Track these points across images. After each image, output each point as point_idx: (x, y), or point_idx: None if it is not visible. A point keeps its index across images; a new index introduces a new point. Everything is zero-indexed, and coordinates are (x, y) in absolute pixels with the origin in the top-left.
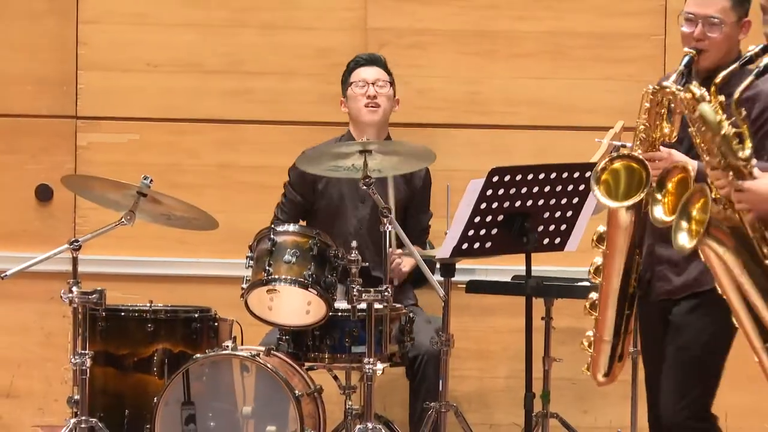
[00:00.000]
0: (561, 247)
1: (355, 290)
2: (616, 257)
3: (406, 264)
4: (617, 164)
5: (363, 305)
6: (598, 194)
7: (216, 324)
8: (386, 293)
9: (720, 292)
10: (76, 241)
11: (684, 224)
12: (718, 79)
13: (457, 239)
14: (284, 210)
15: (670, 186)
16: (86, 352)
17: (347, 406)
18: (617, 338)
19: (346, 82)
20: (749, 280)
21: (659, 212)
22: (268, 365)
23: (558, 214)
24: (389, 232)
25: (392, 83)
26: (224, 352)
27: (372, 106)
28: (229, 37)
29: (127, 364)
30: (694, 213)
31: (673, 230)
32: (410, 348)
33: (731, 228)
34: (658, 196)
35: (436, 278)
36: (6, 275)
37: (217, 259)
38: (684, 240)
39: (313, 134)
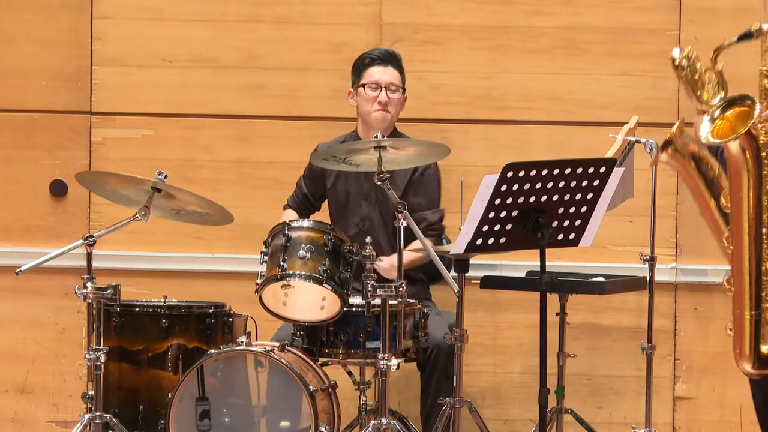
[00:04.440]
0: (575, 242)
1: (369, 286)
2: (742, 205)
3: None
4: (729, 113)
5: (377, 301)
6: (707, 134)
7: (230, 319)
8: (401, 289)
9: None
10: (91, 236)
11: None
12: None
13: (471, 235)
14: (295, 199)
15: (729, 113)
16: (101, 347)
17: (361, 402)
18: (759, 311)
19: (358, 76)
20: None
21: (705, 130)
22: (283, 361)
23: (573, 209)
24: (402, 227)
25: (403, 81)
26: (239, 347)
27: (382, 111)
28: (243, 33)
29: (141, 360)
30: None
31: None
32: (424, 342)
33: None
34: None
35: (450, 274)
36: (21, 271)
37: (231, 255)
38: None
39: (328, 129)
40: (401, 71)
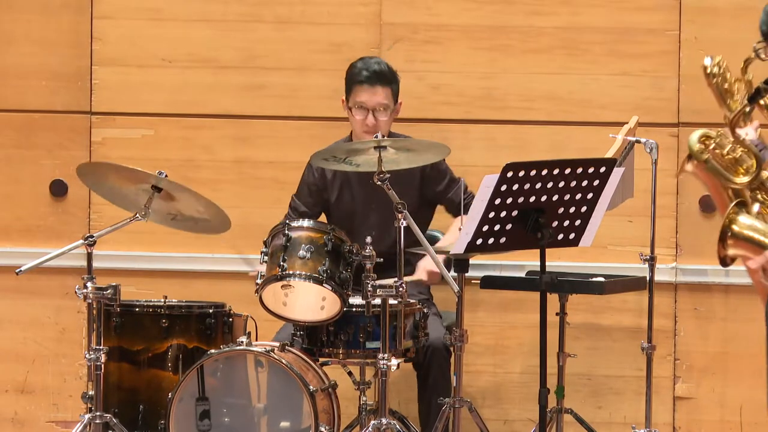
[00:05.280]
0: (575, 242)
1: (369, 286)
2: None
3: (429, 264)
4: None
5: (377, 301)
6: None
7: (230, 319)
8: (400, 288)
9: None
10: (91, 236)
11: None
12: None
13: (471, 235)
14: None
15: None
16: (101, 347)
17: (361, 402)
18: None
19: (348, 90)
20: None
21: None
22: (283, 361)
23: (573, 209)
24: (403, 227)
25: (395, 93)
26: (239, 347)
27: (369, 132)
28: (243, 33)
29: (141, 360)
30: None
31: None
32: (424, 342)
33: None
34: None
35: (450, 274)
36: (21, 271)
37: (231, 255)
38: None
39: (328, 129)
40: (392, 83)
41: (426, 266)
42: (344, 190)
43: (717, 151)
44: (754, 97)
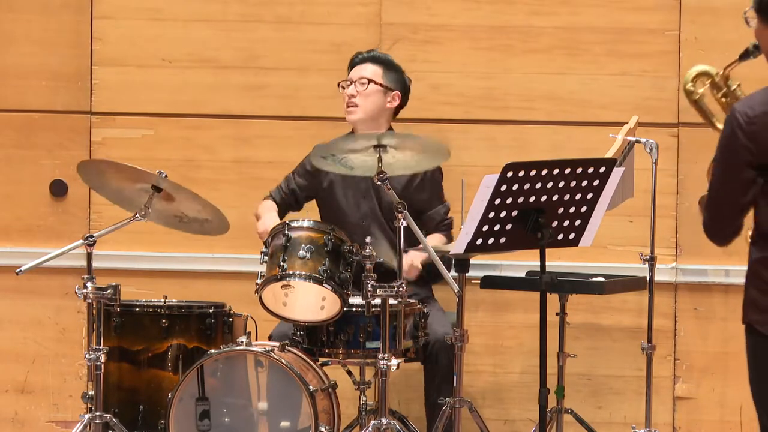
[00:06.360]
0: (575, 242)
1: (369, 286)
2: None
3: (416, 259)
4: None
5: (377, 301)
6: None
7: (230, 319)
8: (400, 289)
9: None
10: (91, 236)
11: None
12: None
13: (471, 235)
14: (279, 193)
15: None
16: (101, 347)
17: (361, 402)
18: None
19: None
20: None
21: None
22: (283, 361)
23: (573, 209)
24: (402, 227)
25: (390, 78)
26: (239, 347)
27: (350, 106)
28: (244, 32)
29: (141, 360)
30: None
31: None
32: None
33: None
34: None
35: (450, 274)
36: (21, 270)
37: (231, 255)
38: None
39: (328, 129)
40: (383, 64)
41: (408, 260)
42: (336, 178)
43: (714, 91)
44: (743, 56)
